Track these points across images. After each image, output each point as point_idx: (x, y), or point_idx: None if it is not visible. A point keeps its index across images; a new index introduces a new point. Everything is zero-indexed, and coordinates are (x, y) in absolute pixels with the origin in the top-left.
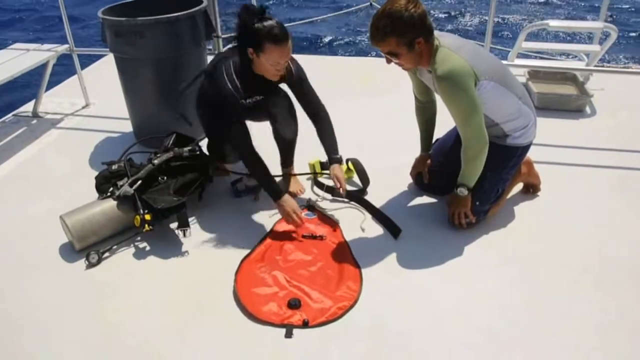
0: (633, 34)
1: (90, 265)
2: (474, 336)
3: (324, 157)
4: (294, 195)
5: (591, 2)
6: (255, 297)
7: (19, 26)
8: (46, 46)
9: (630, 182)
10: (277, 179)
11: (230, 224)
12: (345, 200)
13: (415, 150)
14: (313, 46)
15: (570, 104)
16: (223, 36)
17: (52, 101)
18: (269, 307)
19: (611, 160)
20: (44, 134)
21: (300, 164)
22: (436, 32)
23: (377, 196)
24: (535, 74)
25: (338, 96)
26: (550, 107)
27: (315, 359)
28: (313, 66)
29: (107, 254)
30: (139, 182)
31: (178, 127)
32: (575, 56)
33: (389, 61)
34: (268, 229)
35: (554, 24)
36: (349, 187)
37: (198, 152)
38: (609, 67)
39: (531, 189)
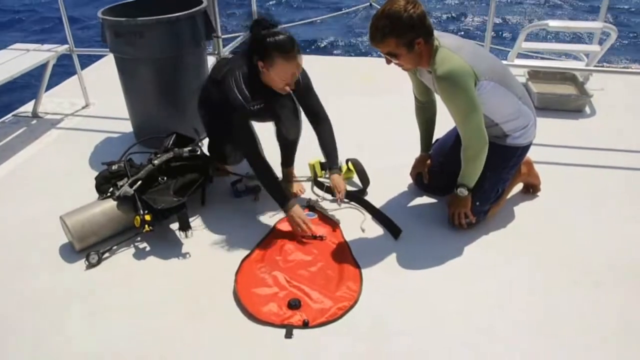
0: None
1: (91, 266)
2: (474, 336)
3: (324, 158)
4: (294, 196)
5: (591, 2)
6: (255, 297)
7: (18, 27)
8: (46, 46)
9: (630, 182)
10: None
11: (230, 224)
12: (346, 200)
13: (415, 151)
14: (313, 47)
15: (570, 104)
16: (223, 36)
17: (52, 101)
18: (269, 308)
19: (611, 160)
20: (44, 134)
21: (300, 164)
22: (436, 33)
23: (377, 196)
24: (535, 74)
25: (338, 96)
26: (550, 107)
27: (315, 359)
28: (313, 66)
29: (107, 254)
30: (139, 182)
31: (178, 127)
32: (575, 56)
33: (388, 62)
34: (268, 229)
35: (553, 24)
36: (349, 188)
37: (198, 153)
38: (608, 67)
39: (531, 189)
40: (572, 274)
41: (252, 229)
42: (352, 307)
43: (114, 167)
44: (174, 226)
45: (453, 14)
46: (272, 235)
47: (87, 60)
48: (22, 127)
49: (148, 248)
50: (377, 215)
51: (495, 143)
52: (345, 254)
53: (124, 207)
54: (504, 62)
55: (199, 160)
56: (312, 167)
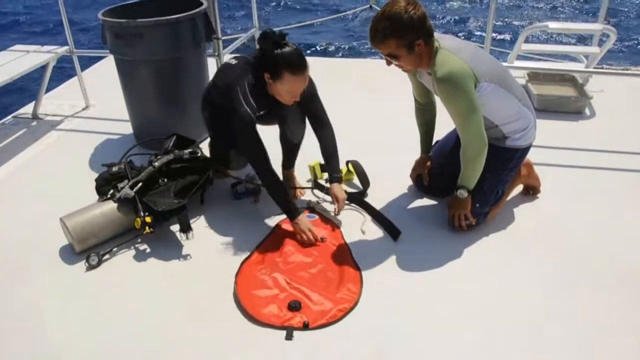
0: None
1: (91, 267)
2: (474, 337)
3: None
4: (294, 197)
5: (591, 4)
6: (255, 299)
7: (18, 29)
8: (46, 48)
9: (630, 183)
10: None
11: (230, 226)
12: (346, 202)
13: (415, 152)
14: (313, 49)
15: (570, 105)
16: (223, 38)
17: (52, 103)
18: (269, 309)
19: (611, 162)
20: (44, 136)
21: (301, 164)
22: (436, 34)
23: (377, 198)
24: (535, 76)
25: (338, 98)
26: (550, 108)
27: None
28: (312, 68)
29: (107, 256)
30: (140, 184)
31: (178, 128)
32: (575, 58)
33: (389, 63)
34: (268, 231)
35: (553, 25)
36: (349, 189)
37: (198, 154)
38: (608, 68)
39: (531, 191)
40: (573, 275)
41: (252, 231)
42: (352, 308)
43: (114, 168)
44: (175, 228)
45: (453, 16)
46: (272, 237)
47: (87, 62)
48: (22, 128)
49: (148, 250)
50: (377, 217)
51: (495, 145)
52: (345, 256)
53: (125, 208)
54: (504, 63)
55: (199, 162)
56: (312, 169)
